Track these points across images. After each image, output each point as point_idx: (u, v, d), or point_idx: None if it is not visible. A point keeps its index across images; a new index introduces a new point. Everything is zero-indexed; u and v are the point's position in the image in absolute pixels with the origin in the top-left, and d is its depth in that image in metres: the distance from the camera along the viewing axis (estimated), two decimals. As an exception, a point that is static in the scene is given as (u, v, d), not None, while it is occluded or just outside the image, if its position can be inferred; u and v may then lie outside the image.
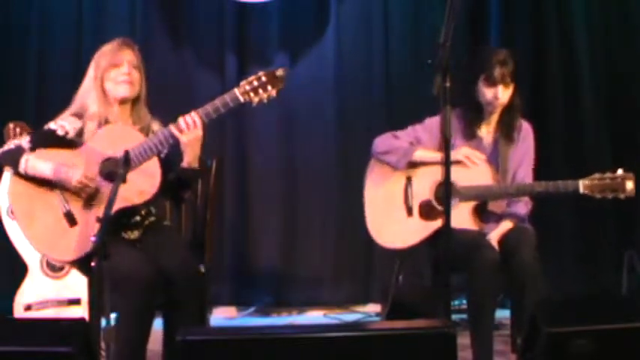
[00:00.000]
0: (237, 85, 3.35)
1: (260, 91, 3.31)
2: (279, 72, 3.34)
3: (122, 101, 3.42)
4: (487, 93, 3.65)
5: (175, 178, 3.42)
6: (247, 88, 3.31)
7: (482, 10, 5.10)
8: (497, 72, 3.61)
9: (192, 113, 3.29)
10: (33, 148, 3.31)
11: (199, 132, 3.30)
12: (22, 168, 3.27)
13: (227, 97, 3.31)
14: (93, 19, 5.01)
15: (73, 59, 4.99)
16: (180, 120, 3.29)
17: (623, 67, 5.07)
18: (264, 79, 3.32)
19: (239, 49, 5.08)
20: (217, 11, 5.09)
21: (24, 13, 4.99)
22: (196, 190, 3.67)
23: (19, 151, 3.30)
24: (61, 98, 4.84)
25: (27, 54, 4.99)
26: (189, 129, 3.27)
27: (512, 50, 3.78)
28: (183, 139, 3.29)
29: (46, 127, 3.40)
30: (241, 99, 3.31)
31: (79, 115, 3.39)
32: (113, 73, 3.38)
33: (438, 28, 3.00)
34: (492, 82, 3.62)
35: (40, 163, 3.27)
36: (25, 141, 3.34)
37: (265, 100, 3.33)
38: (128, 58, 3.40)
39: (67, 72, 4.98)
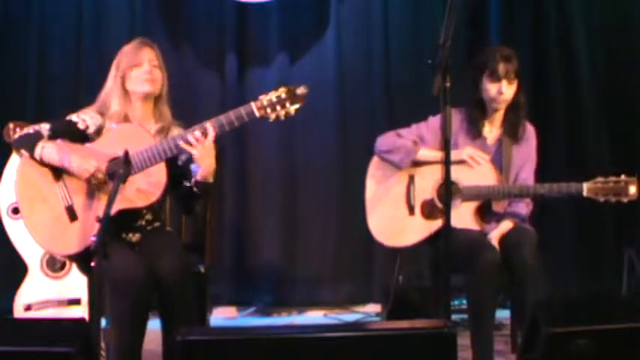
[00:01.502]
0: (255, 98, 3.25)
1: (278, 107, 3.23)
2: (301, 90, 3.26)
3: (144, 99, 3.41)
4: (491, 89, 3.65)
5: (188, 190, 3.41)
6: (265, 103, 3.23)
7: (483, 10, 5.10)
8: (502, 67, 3.61)
9: (208, 126, 3.22)
10: (52, 137, 3.31)
11: (210, 144, 3.23)
12: (37, 154, 3.27)
13: (243, 110, 3.23)
14: (93, 19, 5.01)
15: (73, 59, 4.99)
16: (189, 134, 3.23)
17: (623, 67, 5.07)
18: (283, 95, 3.24)
19: (239, 49, 5.08)
20: (217, 11, 5.09)
21: (24, 13, 4.99)
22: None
23: (37, 137, 3.29)
24: (62, 98, 4.90)
25: (27, 54, 4.99)
26: (199, 142, 3.21)
27: (515, 49, 3.78)
28: (194, 152, 3.23)
29: (67, 117, 3.40)
30: (257, 114, 3.22)
31: (101, 113, 3.40)
32: (134, 73, 3.38)
33: (438, 28, 3.00)
34: (496, 78, 3.62)
35: (54, 151, 3.27)
36: (45, 128, 3.33)
37: (282, 118, 3.25)
38: (149, 57, 3.40)
39: (67, 72, 4.99)
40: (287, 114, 3.25)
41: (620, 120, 5.05)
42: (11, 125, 4.17)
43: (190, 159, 3.36)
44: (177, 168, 3.41)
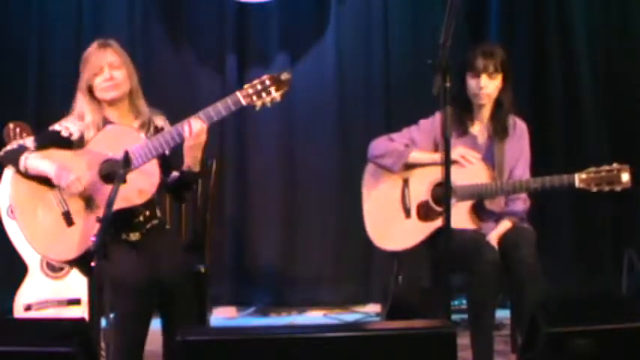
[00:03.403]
0: (240, 87, 3.33)
1: (263, 94, 3.28)
2: (284, 76, 3.30)
3: (115, 102, 3.42)
4: (472, 84, 3.65)
5: (175, 179, 3.43)
6: (250, 91, 3.28)
7: (482, 10, 5.10)
8: (481, 62, 3.62)
9: (200, 123, 3.26)
10: (37, 148, 3.33)
11: (203, 136, 3.28)
12: (22, 166, 3.29)
13: (229, 100, 3.28)
14: (93, 19, 5.00)
15: (73, 59, 4.94)
16: (186, 125, 3.27)
17: (623, 67, 5.07)
18: (267, 82, 3.29)
19: (239, 49, 5.08)
20: (217, 11, 5.08)
21: (24, 13, 4.98)
22: (196, 191, 3.67)
23: (20, 150, 3.32)
24: (62, 98, 4.86)
25: (27, 54, 4.99)
26: (195, 133, 3.26)
27: (504, 45, 3.79)
28: (185, 143, 3.28)
29: (50, 128, 3.42)
30: (244, 102, 3.28)
31: (82, 119, 3.42)
32: (97, 81, 3.39)
33: (438, 28, 3.00)
34: (476, 73, 3.63)
35: (39, 161, 3.29)
36: (29, 141, 3.37)
37: (269, 104, 3.30)
38: (108, 60, 3.39)
39: (68, 72, 4.95)
40: (273, 100, 3.30)
41: (620, 120, 5.05)
42: (11, 125, 4.17)
43: (176, 150, 3.38)
44: (166, 159, 3.42)
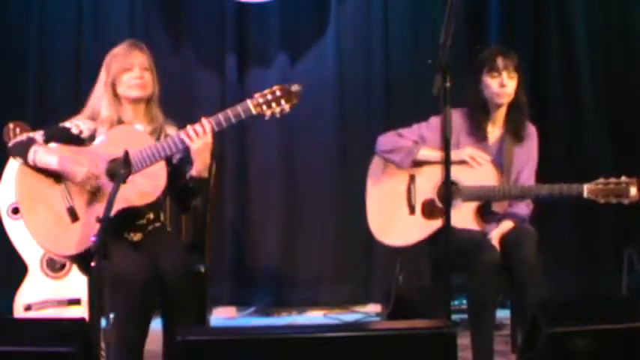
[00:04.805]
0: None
1: (273, 105, 3.31)
2: (295, 87, 3.34)
3: (135, 102, 3.43)
4: (492, 84, 3.65)
5: (183, 186, 3.43)
6: (261, 101, 3.31)
7: (482, 10, 5.10)
8: (500, 61, 3.63)
9: (203, 120, 3.29)
10: (45, 142, 3.34)
11: (209, 139, 3.29)
12: (30, 158, 3.29)
13: (239, 108, 3.30)
14: (93, 19, 5.00)
15: (73, 59, 4.99)
16: (190, 127, 3.28)
17: (623, 67, 5.07)
18: (278, 93, 3.32)
19: (239, 49, 5.08)
20: (217, 11, 5.08)
21: (24, 13, 4.99)
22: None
23: (29, 142, 3.32)
24: (62, 98, 4.91)
25: (27, 54, 4.99)
26: (199, 136, 3.27)
27: (515, 49, 3.80)
28: (192, 146, 3.28)
29: (60, 124, 3.43)
30: (254, 111, 3.30)
31: (93, 119, 3.42)
32: (125, 77, 3.39)
33: (438, 28, 3.01)
34: (497, 72, 3.63)
35: (47, 155, 3.29)
36: (38, 134, 3.37)
37: (278, 115, 3.33)
38: (139, 60, 3.41)
39: (67, 72, 4.99)
40: (282, 111, 3.33)
41: (620, 120, 5.05)
42: (11, 125, 4.18)
43: (184, 158, 3.39)
44: (173, 166, 3.43)
